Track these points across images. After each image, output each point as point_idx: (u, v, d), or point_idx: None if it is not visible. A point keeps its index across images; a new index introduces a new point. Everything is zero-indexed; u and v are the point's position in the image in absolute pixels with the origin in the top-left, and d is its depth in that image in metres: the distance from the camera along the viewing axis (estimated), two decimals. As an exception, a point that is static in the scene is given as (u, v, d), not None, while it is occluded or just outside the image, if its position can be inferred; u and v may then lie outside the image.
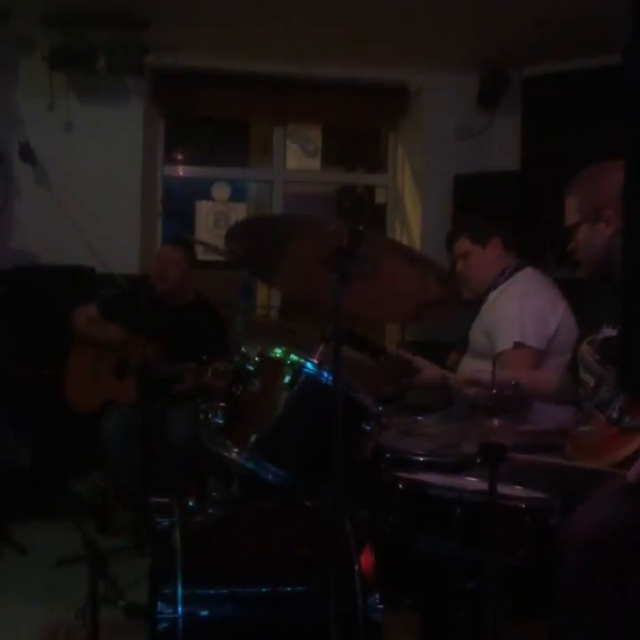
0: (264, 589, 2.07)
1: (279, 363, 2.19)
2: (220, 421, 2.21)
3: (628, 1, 1.09)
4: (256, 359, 2.22)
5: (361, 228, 1.92)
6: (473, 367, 3.02)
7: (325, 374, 2.13)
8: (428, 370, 2.93)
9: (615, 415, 2.01)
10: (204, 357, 2.89)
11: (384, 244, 2.15)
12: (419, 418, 2.76)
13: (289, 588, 2.07)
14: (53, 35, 4.32)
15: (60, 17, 4.22)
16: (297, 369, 2.16)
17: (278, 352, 2.21)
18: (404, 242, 5.10)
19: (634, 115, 1.14)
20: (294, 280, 2.40)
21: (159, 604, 1.95)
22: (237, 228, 2.26)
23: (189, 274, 3.94)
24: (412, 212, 5.28)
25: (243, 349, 2.27)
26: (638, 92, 1.14)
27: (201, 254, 4.07)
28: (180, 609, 1.93)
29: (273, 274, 2.46)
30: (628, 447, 2.00)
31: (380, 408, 2.21)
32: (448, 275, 2.17)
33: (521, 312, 2.90)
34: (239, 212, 5.69)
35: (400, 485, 2.13)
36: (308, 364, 2.16)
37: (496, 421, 1.95)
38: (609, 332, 2.16)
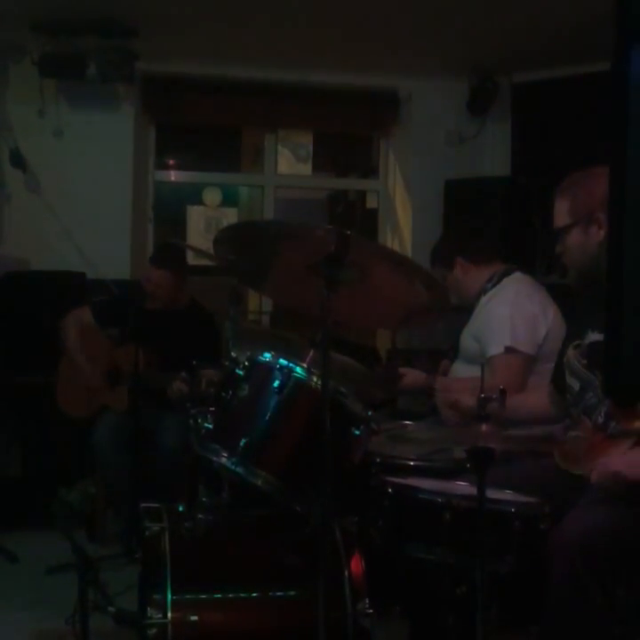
0: (253, 595, 2.07)
1: (269, 367, 2.19)
2: (210, 426, 2.21)
3: (613, 10, 1.09)
4: (245, 364, 2.21)
5: (348, 233, 1.92)
6: (464, 373, 3.02)
7: (315, 379, 2.13)
8: (411, 375, 2.94)
9: (601, 420, 2.01)
10: (194, 362, 2.89)
11: (372, 250, 2.15)
12: (408, 423, 2.76)
13: (278, 594, 2.07)
14: (43, 41, 4.32)
15: (49, 24, 4.22)
16: (286, 374, 2.16)
17: (268, 357, 2.20)
18: (396, 247, 5.12)
19: (618, 121, 1.14)
20: (283, 286, 2.40)
21: (148, 609, 1.94)
22: (225, 234, 2.25)
23: (181, 286, 3.91)
24: (403, 218, 5.30)
25: (232, 354, 2.27)
26: (623, 98, 1.14)
27: (190, 260, 4.06)
28: (169, 614, 1.93)
29: (262, 280, 2.46)
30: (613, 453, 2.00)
31: (370, 413, 2.21)
32: (436, 280, 2.16)
33: (512, 317, 2.90)
34: (231, 218, 5.68)
35: (389, 490, 2.12)
36: (298, 369, 2.16)
37: (484, 426, 1.95)
38: (595, 336, 2.15)
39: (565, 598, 1.91)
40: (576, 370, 2.20)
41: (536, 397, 2.54)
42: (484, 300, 3.08)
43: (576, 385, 2.20)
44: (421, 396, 3.01)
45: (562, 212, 2.25)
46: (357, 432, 2.18)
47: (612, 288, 1.13)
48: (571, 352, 2.23)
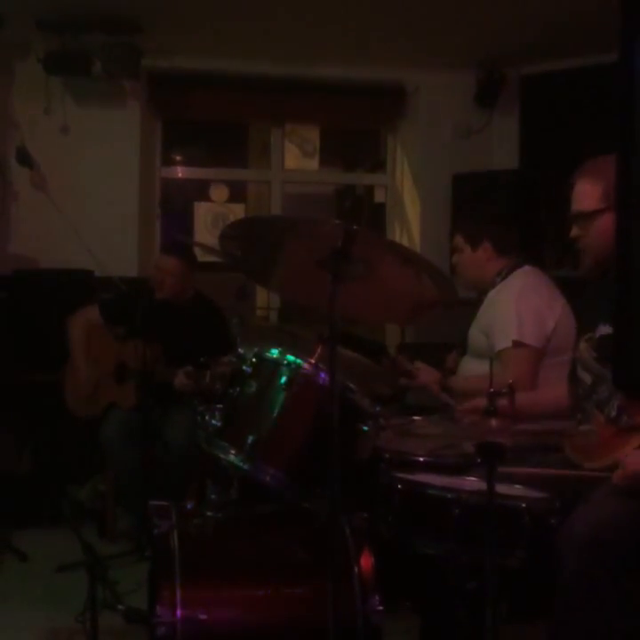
0: (263, 592, 2.06)
1: (276, 364, 2.18)
2: (217, 423, 2.20)
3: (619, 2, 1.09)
4: (253, 360, 2.20)
5: (355, 227, 1.91)
6: (473, 368, 3.00)
7: (322, 375, 2.12)
8: (426, 374, 2.93)
9: (613, 414, 1.99)
10: (202, 359, 2.88)
11: (379, 245, 2.14)
12: (417, 418, 2.75)
13: (288, 591, 2.06)
14: (49, 39, 4.32)
15: (55, 21, 4.22)
16: (294, 370, 2.14)
17: (275, 353, 2.19)
18: (404, 242, 5.10)
19: (625, 113, 1.13)
20: (290, 281, 2.38)
21: (158, 607, 1.94)
22: (231, 230, 2.24)
23: (189, 277, 3.91)
24: (412, 212, 5.27)
25: (239, 351, 2.26)
26: (630, 91, 1.13)
27: (198, 256, 4.05)
28: (178, 613, 1.93)
29: (268, 275, 2.44)
30: (625, 448, 1.98)
31: (378, 408, 2.20)
32: (444, 275, 2.14)
33: (518, 310, 2.88)
34: (238, 213, 5.68)
35: (399, 486, 2.12)
36: (305, 365, 2.15)
37: (494, 421, 1.94)
38: (606, 329, 2.12)
39: (576, 593, 1.91)
40: (588, 363, 2.17)
41: (549, 394, 2.52)
42: (492, 293, 3.06)
43: (588, 378, 2.17)
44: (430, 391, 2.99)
45: (592, 196, 2.15)
46: (366, 428, 2.16)
47: (621, 280, 1.12)
48: (582, 345, 2.20)
